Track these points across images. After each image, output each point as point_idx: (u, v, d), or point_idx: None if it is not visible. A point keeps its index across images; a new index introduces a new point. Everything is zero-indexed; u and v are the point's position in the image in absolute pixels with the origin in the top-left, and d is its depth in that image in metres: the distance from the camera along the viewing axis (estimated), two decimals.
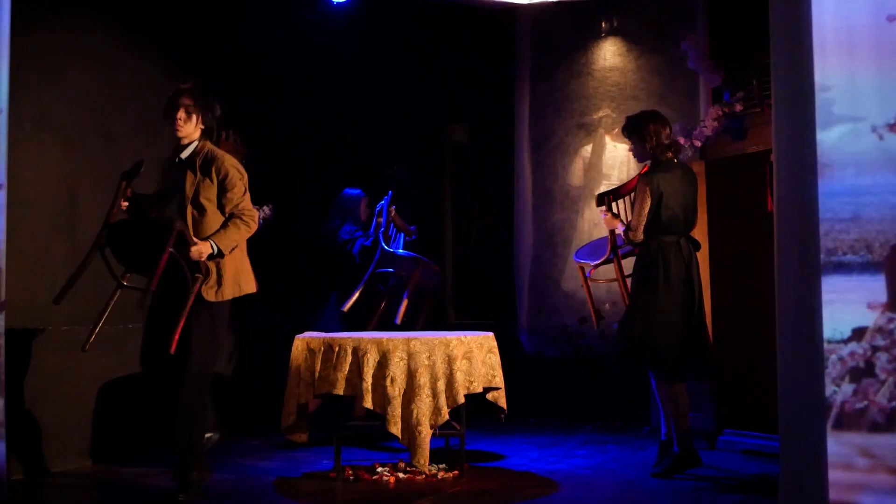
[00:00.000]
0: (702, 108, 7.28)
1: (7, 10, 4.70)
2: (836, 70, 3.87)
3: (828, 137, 3.86)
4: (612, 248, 5.54)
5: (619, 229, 5.49)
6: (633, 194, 5.50)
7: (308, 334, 5.55)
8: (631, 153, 5.72)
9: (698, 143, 6.55)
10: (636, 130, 5.54)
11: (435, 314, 6.93)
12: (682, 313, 5.35)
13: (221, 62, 7.60)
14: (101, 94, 6.62)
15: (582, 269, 5.89)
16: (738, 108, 6.33)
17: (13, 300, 5.17)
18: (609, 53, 8.05)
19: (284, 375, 5.66)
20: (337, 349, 5.35)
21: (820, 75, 3.88)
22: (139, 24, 6.95)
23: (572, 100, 8.16)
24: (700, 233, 6.73)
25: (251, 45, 7.82)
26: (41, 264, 6.09)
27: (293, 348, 5.51)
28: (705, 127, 6.52)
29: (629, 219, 5.46)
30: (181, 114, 5.14)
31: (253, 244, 6.68)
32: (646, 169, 5.53)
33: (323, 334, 5.55)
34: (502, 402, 5.68)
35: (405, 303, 6.56)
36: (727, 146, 6.44)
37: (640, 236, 5.40)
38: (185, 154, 5.16)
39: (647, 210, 5.37)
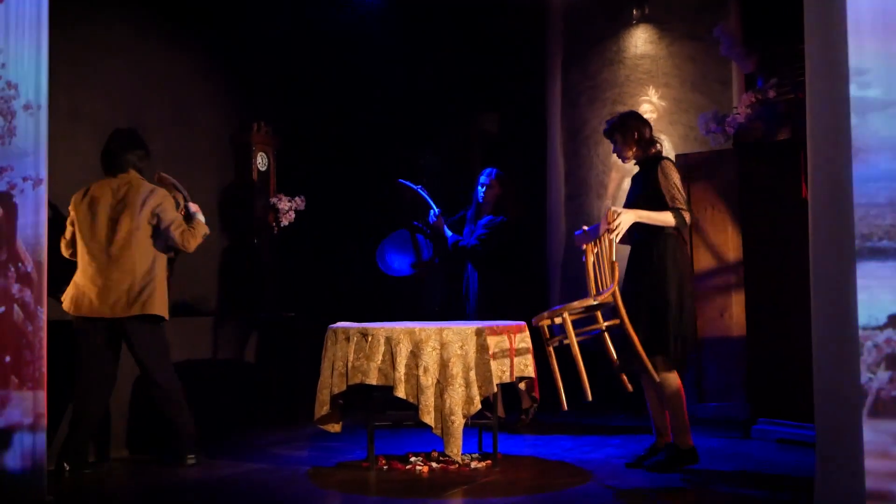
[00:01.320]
0: (735, 95, 7.23)
1: (45, 10, 4.74)
2: (871, 53, 3.83)
3: (863, 122, 3.82)
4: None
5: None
6: (660, 182, 5.30)
7: (341, 324, 5.56)
8: (617, 154, 5.60)
9: (731, 130, 6.50)
10: (618, 129, 5.50)
11: (462, 305, 6.94)
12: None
13: (253, 53, 7.63)
14: (134, 88, 6.67)
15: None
16: (772, 94, 6.27)
17: (53, 293, 5.24)
18: (640, 41, 8.00)
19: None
20: (370, 339, 5.37)
21: (855, 59, 3.84)
22: (171, 17, 6.99)
23: (604, 88, 8.12)
24: (733, 220, 6.70)
25: (282, 36, 7.85)
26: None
27: (326, 338, 5.53)
28: (738, 114, 6.47)
29: (675, 203, 5.24)
30: None
31: (281, 236, 6.74)
32: (642, 159, 5.47)
33: (356, 324, 5.57)
34: (535, 392, 5.69)
35: None
36: (760, 133, 6.39)
37: (686, 211, 5.27)
38: None
39: (684, 189, 5.34)
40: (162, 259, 5.61)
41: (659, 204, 5.27)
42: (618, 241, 5.16)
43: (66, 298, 5.56)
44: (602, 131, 5.73)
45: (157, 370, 5.58)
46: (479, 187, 6.93)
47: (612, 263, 5.12)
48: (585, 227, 5.39)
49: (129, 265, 5.48)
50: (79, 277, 5.56)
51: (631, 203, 5.42)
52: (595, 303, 5.13)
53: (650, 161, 5.45)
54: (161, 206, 5.55)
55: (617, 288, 5.11)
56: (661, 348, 5.20)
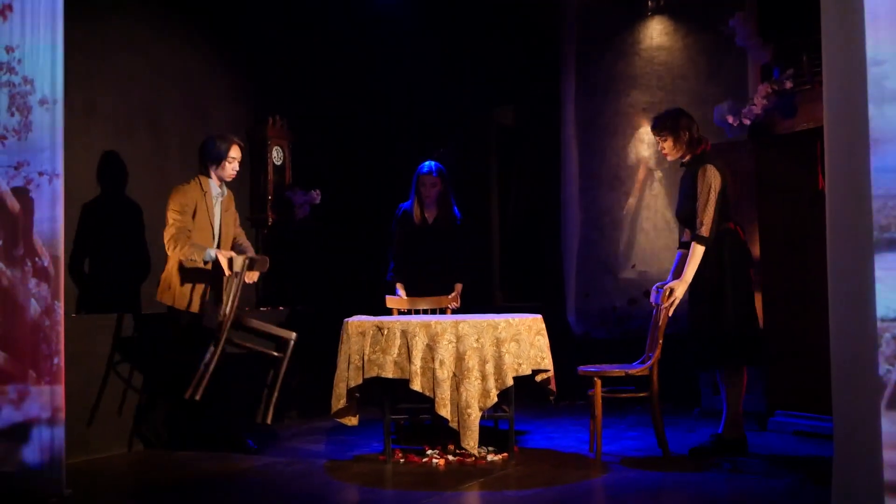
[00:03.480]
0: (751, 86, 7.18)
1: (61, 5, 4.75)
2: (889, 43, 3.79)
3: (880, 112, 3.79)
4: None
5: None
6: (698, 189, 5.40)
7: (357, 318, 5.57)
8: (663, 152, 5.66)
9: (747, 122, 6.46)
10: (669, 128, 5.53)
11: (482, 297, 6.91)
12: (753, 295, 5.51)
13: (268, 47, 7.64)
14: (150, 82, 6.69)
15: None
16: (788, 85, 6.24)
17: (69, 288, 5.26)
18: (656, 33, 7.97)
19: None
20: (386, 332, 5.37)
21: (872, 49, 3.81)
22: (187, 12, 7.00)
23: (619, 80, 8.10)
24: (750, 212, 6.67)
25: (297, 29, 7.85)
26: (94, 252, 6.17)
27: (342, 332, 5.54)
28: (754, 105, 6.43)
29: (699, 230, 5.37)
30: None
31: (296, 229, 6.74)
32: (689, 159, 5.54)
33: (371, 318, 5.58)
34: (551, 385, 5.68)
35: None
36: (777, 124, 6.35)
37: (708, 233, 5.36)
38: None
39: (714, 204, 5.36)
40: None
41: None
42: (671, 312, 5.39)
43: None
44: (651, 127, 5.73)
45: None
46: (430, 187, 6.52)
47: (661, 332, 5.43)
48: (657, 287, 5.58)
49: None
50: None
51: (680, 205, 5.58)
52: (627, 374, 5.44)
53: (695, 162, 5.50)
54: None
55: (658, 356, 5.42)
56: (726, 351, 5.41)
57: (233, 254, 5.78)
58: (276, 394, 5.70)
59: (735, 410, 5.46)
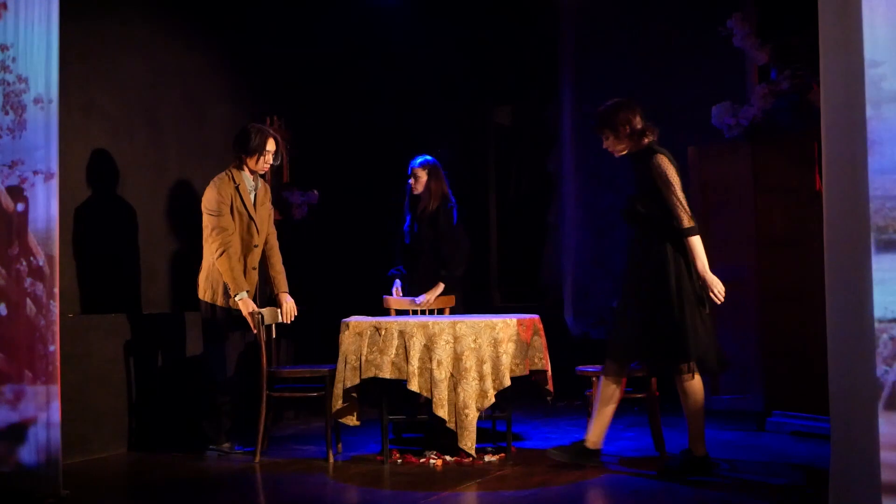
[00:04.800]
0: (748, 87, 7.19)
1: (56, 3, 4.74)
2: (886, 45, 3.79)
3: (878, 114, 3.79)
4: None
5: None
6: (658, 184, 4.98)
7: (355, 318, 5.57)
8: (608, 149, 5.24)
9: (745, 123, 6.47)
10: (607, 123, 5.16)
11: (480, 297, 6.90)
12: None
13: (266, 47, 7.63)
14: (148, 82, 6.67)
15: None
16: (786, 85, 6.24)
17: (65, 287, 5.26)
18: (654, 33, 7.97)
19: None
20: (383, 333, 5.37)
21: (870, 51, 3.81)
22: (184, 11, 6.99)
23: (617, 80, 8.10)
24: (747, 213, 6.67)
25: (294, 28, 7.84)
26: (91, 252, 6.17)
27: (340, 333, 5.53)
28: (752, 106, 6.44)
29: (681, 224, 4.92)
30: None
31: (293, 230, 6.75)
32: (635, 153, 5.13)
33: (369, 318, 5.57)
34: (549, 385, 5.68)
35: None
36: (774, 125, 6.36)
37: (692, 221, 4.94)
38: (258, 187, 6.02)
39: (681, 190, 4.95)
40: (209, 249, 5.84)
41: (659, 201, 4.98)
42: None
43: None
44: (589, 125, 5.38)
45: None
46: (413, 179, 6.45)
47: None
48: None
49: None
50: None
51: (633, 197, 5.13)
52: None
53: (643, 154, 5.09)
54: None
55: None
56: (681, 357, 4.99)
57: (254, 308, 5.73)
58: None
59: (695, 425, 5.04)
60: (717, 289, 4.92)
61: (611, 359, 5.15)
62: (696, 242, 4.96)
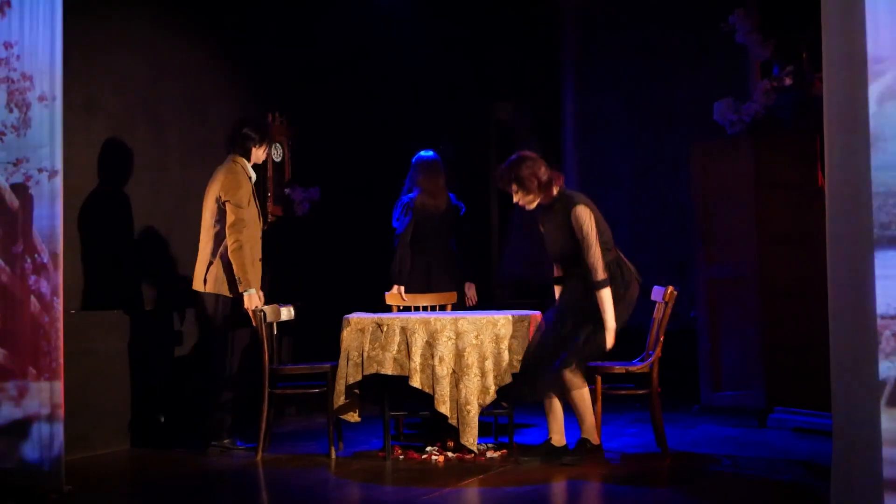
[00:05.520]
0: (751, 83, 7.19)
1: (60, 1, 4.74)
2: (889, 40, 3.79)
3: (881, 110, 3.79)
4: None
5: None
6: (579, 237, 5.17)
7: (357, 314, 5.57)
8: (520, 204, 5.33)
9: (747, 119, 6.47)
10: (513, 179, 5.24)
11: (482, 294, 6.90)
12: None
13: (268, 44, 7.62)
14: (150, 79, 6.67)
15: None
16: (788, 81, 6.24)
17: (68, 284, 5.26)
18: (656, 28, 7.97)
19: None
20: (385, 329, 5.37)
21: (873, 47, 3.80)
22: (186, 8, 6.99)
23: (619, 77, 8.10)
24: (749, 208, 6.67)
25: (297, 26, 7.84)
26: (94, 248, 6.17)
27: (342, 329, 5.54)
28: (754, 102, 6.44)
29: (589, 258, 5.14)
30: None
31: (295, 226, 6.75)
32: (548, 202, 5.30)
33: (371, 314, 5.57)
34: None
35: None
36: (777, 121, 6.36)
37: (605, 274, 5.14)
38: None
39: (597, 244, 5.14)
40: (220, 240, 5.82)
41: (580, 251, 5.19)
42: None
43: None
44: (496, 182, 5.46)
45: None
46: (435, 174, 6.47)
47: (662, 330, 5.42)
48: None
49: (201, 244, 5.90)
50: None
51: (553, 244, 5.34)
52: (627, 371, 5.44)
53: (559, 204, 5.25)
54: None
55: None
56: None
57: (258, 304, 5.74)
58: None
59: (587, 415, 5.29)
60: (609, 344, 5.18)
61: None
62: (606, 295, 5.14)
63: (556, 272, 5.55)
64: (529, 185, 5.22)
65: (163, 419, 5.91)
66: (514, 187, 5.25)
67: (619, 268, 5.29)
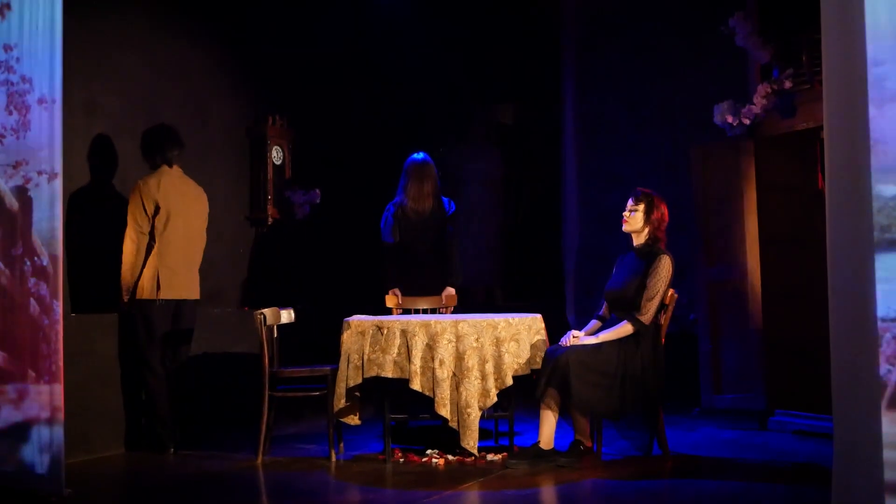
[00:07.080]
0: (750, 86, 7.18)
1: (59, 4, 4.73)
2: (888, 44, 3.79)
3: (881, 113, 3.78)
4: None
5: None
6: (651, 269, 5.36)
7: (357, 317, 5.57)
8: (627, 218, 5.53)
9: (747, 121, 6.46)
10: (648, 202, 5.47)
11: (482, 296, 6.91)
12: None
13: (268, 46, 7.63)
14: (150, 81, 6.67)
15: None
16: (788, 84, 6.23)
17: (69, 287, 5.26)
18: (656, 31, 7.97)
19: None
20: (385, 332, 5.37)
21: (873, 50, 3.80)
22: (187, 10, 6.99)
23: (620, 79, 8.09)
24: (750, 211, 6.67)
25: (297, 28, 7.84)
26: (93, 250, 6.17)
27: (343, 332, 5.53)
28: (754, 104, 6.43)
29: (647, 297, 5.33)
30: None
31: (295, 229, 6.72)
32: (644, 242, 5.50)
33: (371, 317, 5.57)
34: None
35: None
36: (777, 124, 6.36)
37: (649, 322, 5.34)
38: None
39: (661, 296, 5.35)
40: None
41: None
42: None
43: None
44: (632, 193, 5.60)
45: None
46: (426, 177, 6.46)
47: (662, 334, 5.47)
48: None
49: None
50: None
51: (620, 283, 5.52)
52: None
53: (649, 250, 5.45)
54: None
55: None
56: None
57: None
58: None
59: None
60: (568, 342, 5.39)
61: None
62: (628, 330, 5.35)
63: (604, 311, 5.66)
64: (653, 216, 5.44)
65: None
66: (643, 207, 5.45)
67: (657, 331, 5.40)
